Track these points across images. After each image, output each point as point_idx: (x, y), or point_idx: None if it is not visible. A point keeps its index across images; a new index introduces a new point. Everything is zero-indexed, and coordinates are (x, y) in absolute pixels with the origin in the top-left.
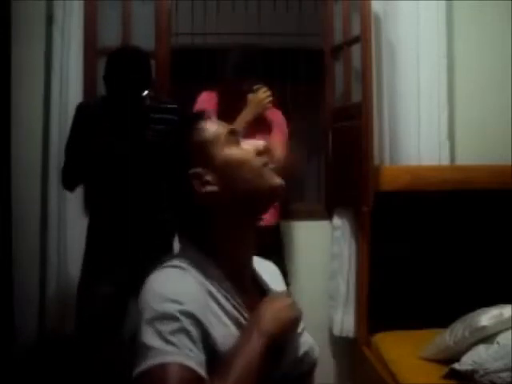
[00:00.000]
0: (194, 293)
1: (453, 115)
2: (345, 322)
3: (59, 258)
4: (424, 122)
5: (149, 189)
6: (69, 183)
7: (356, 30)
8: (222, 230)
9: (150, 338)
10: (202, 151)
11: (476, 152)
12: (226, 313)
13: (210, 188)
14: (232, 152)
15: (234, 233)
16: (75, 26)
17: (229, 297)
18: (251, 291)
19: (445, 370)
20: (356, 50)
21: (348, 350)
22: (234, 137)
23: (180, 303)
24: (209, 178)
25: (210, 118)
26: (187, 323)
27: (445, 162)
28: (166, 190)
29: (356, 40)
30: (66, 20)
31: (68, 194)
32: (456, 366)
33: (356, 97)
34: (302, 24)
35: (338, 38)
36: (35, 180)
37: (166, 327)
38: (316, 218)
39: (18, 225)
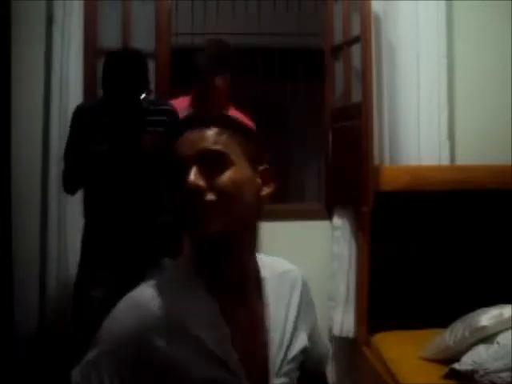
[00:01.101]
0: (136, 333)
1: (453, 115)
2: (345, 322)
3: (59, 258)
4: (424, 122)
5: (147, 191)
6: (70, 187)
7: (356, 30)
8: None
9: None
10: (177, 167)
11: (476, 152)
12: (197, 343)
13: None
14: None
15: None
16: (75, 26)
17: (207, 325)
18: (252, 302)
19: (445, 370)
20: (356, 50)
21: (348, 350)
22: (196, 160)
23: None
24: None
25: (200, 125)
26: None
27: (445, 162)
28: (164, 192)
29: (356, 40)
30: (66, 20)
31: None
32: (456, 366)
33: (356, 97)
34: (302, 24)
35: (338, 38)
36: (35, 180)
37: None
38: (316, 218)
39: (18, 225)
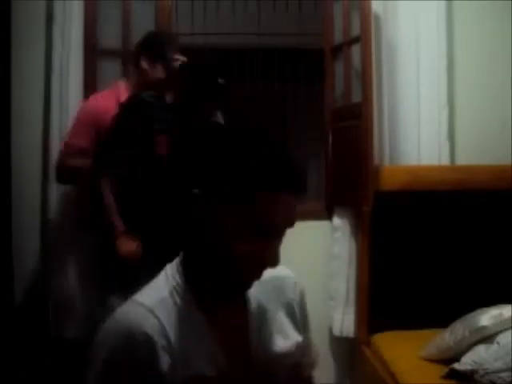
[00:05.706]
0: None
1: (453, 115)
2: (345, 321)
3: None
4: (424, 122)
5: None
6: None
7: (356, 30)
8: None
9: None
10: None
11: (476, 152)
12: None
13: None
14: None
15: None
16: (75, 26)
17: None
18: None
19: (445, 370)
20: (356, 50)
21: (348, 350)
22: None
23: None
24: None
25: None
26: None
27: (445, 162)
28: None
29: (356, 40)
30: (66, 20)
31: (68, 195)
32: (456, 366)
33: (356, 97)
34: (302, 24)
35: (338, 38)
36: (35, 180)
37: None
38: (316, 218)
39: (18, 225)
